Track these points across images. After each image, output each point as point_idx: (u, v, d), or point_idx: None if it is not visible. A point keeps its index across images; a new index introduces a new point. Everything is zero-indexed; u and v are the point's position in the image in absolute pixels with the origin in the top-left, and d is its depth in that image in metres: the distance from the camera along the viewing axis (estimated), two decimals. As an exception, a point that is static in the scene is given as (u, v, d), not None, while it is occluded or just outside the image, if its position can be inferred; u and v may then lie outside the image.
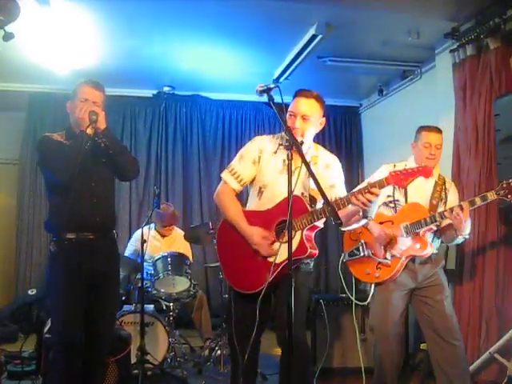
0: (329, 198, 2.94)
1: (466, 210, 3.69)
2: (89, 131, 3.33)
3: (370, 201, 2.95)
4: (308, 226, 3.15)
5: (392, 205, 4.07)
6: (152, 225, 6.14)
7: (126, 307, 5.26)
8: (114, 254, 3.66)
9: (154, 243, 6.02)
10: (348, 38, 5.98)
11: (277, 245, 3.17)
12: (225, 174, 3.45)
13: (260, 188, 3.37)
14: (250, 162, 3.37)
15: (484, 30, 4.86)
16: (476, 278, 4.82)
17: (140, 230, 5.20)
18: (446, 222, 3.89)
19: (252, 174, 3.39)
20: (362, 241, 4.08)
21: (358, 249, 4.09)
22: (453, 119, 5.25)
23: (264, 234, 3.22)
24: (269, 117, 8.38)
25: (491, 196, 3.67)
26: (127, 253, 6.03)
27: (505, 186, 3.62)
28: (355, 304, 4.21)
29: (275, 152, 3.36)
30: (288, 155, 2.79)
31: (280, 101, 2.89)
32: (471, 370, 4.42)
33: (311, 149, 3.40)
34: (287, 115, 3.23)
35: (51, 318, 3.55)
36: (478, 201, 3.70)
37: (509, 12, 4.64)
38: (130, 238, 6.74)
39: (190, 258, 5.87)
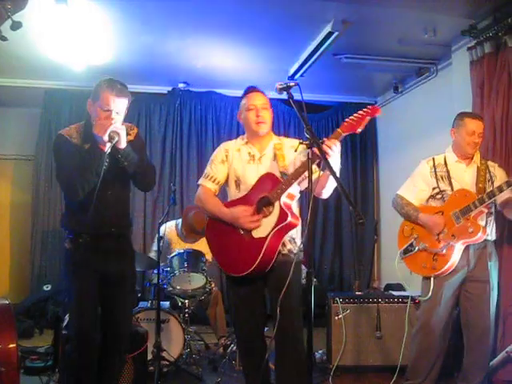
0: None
1: None
2: (107, 148, 3.25)
3: (330, 148, 3.09)
4: (285, 194, 3.33)
5: (439, 196, 4.13)
6: (180, 222, 6.08)
7: (141, 303, 5.28)
8: (128, 252, 3.66)
9: (179, 240, 6.01)
10: (364, 35, 5.97)
11: (261, 221, 3.38)
12: (200, 181, 3.73)
13: (236, 181, 3.62)
14: (219, 162, 3.67)
15: (502, 27, 4.82)
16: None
17: (168, 223, 5.13)
18: (503, 197, 3.93)
19: (224, 172, 3.66)
20: (415, 235, 4.11)
21: (411, 244, 4.13)
22: (469, 117, 5.22)
23: (244, 208, 3.43)
24: (283, 113, 8.37)
25: None
26: (154, 248, 6.01)
27: None
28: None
29: (239, 149, 3.67)
30: (309, 154, 2.82)
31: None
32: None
33: (273, 139, 3.70)
34: (245, 109, 3.65)
35: (68, 313, 3.58)
36: None
37: (527, 10, 4.62)
38: (144, 234, 6.72)
39: (210, 254, 5.88)
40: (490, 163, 4.18)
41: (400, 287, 5.93)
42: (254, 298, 3.53)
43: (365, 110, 3.15)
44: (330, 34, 5.63)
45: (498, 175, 4.10)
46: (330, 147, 3.09)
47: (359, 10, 5.27)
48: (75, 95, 7.46)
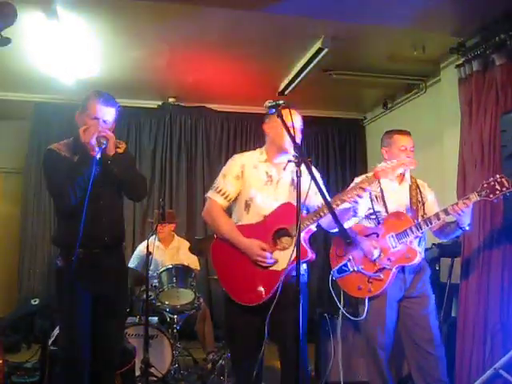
0: (318, 204, 3.22)
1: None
2: (97, 155, 3.26)
3: (359, 196, 3.10)
4: (305, 230, 3.22)
5: (373, 216, 4.04)
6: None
7: (129, 319, 5.25)
8: (121, 268, 3.64)
9: (158, 253, 6.00)
10: (353, 52, 6.02)
11: (277, 253, 3.24)
12: (210, 193, 3.47)
13: (246, 201, 3.39)
14: (234, 177, 3.42)
15: (490, 45, 4.86)
16: (481, 293, 4.80)
17: (144, 242, 5.18)
18: (439, 223, 3.84)
19: (237, 189, 3.42)
20: (350, 256, 3.97)
21: (346, 265, 3.98)
22: (458, 134, 5.24)
23: (262, 245, 3.24)
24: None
25: (473, 198, 3.61)
26: (131, 265, 6.01)
27: (485, 185, 3.58)
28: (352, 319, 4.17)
29: (256, 166, 3.45)
30: (297, 171, 2.80)
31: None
32: (475, 385, 4.41)
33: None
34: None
35: (59, 331, 3.54)
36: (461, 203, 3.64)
37: (515, 29, 4.67)
38: (133, 249, 6.71)
39: (198, 268, 5.93)
40: (419, 182, 4.15)
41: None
42: (254, 322, 3.26)
43: (401, 160, 3.25)
44: (319, 50, 5.68)
45: (428, 197, 4.09)
46: (360, 195, 3.15)
47: (349, 27, 5.31)
48: (65, 109, 7.42)
